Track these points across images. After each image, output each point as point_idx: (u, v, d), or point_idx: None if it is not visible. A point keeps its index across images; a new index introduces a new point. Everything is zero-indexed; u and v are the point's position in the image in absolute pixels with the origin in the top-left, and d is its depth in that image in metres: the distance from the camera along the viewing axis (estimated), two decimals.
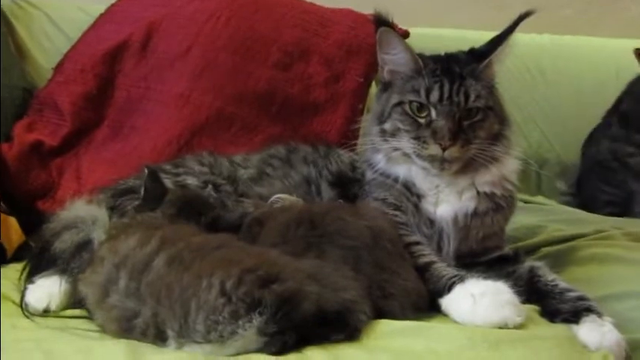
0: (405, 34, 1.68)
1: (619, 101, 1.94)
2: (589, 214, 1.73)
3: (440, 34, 1.97)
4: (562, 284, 1.14)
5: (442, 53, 1.25)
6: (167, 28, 1.71)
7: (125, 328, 0.95)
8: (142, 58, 1.69)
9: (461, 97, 1.17)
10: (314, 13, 1.78)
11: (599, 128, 1.96)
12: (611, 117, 1.94)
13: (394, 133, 1.21)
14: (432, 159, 1.17)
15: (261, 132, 1.65)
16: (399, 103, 1.20)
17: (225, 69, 1.66)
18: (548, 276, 1.16)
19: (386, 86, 1.25)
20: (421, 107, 1.18)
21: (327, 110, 1.69)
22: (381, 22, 1.20)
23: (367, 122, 1.29)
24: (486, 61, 1.20)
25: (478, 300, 1.03)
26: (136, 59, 1.69)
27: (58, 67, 1.71)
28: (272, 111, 1.67)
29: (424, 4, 2.20)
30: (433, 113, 1.17)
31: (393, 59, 1.22)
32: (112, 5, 1.79)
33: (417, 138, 1.17)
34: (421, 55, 1.22)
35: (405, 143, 1.18)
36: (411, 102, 1.19)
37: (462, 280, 1.08)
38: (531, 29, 2.09)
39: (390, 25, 1.20)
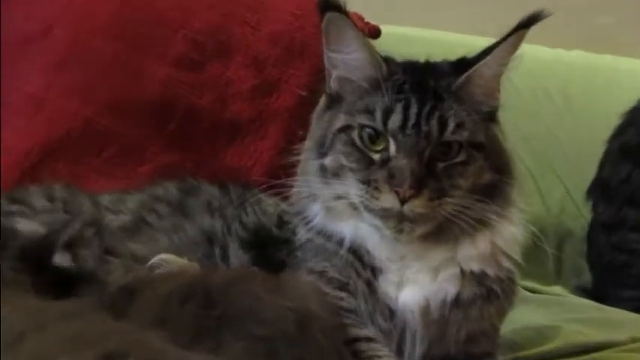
0: (375, 33, 1.72)
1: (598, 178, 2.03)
2: (622, 311, 1.75)
3: (429, 37, 2.01)
4: None
5: (422, 60, 1.24)
6: None
7: None
8: None
9: (433, 126, 1.14)
10: None
11: (592, 222, 2.06)
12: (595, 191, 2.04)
13: (337, 173, 1.18)
14: (385, 214, 1.14)
15: (150, 160, 1.65)
16: (346, 128, 1.18)
17: (103, 62, 1.67)
18: None
19: (332, 101, 1.24)
20: (376, 136, 1.16)
21: (250, 134, 1.72)
22: (328, 4, 1.17)
23: (305, 154, 1.27)
24: (465, 74, 1.18)
25: None
26: None
27: None
28: (168, 129, 1.68)
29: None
30: (392, 147, 1.14)
31: (344, 60, 1.20)
32: None
33: (366, 182, 1.15)
34: (387, 59, 1.20)
35: (352, 188, 1.16)
36: (362, 127, 1.17)
37: None
38: (558, 43, 2.22)
39: (342, 11, 1.18)
